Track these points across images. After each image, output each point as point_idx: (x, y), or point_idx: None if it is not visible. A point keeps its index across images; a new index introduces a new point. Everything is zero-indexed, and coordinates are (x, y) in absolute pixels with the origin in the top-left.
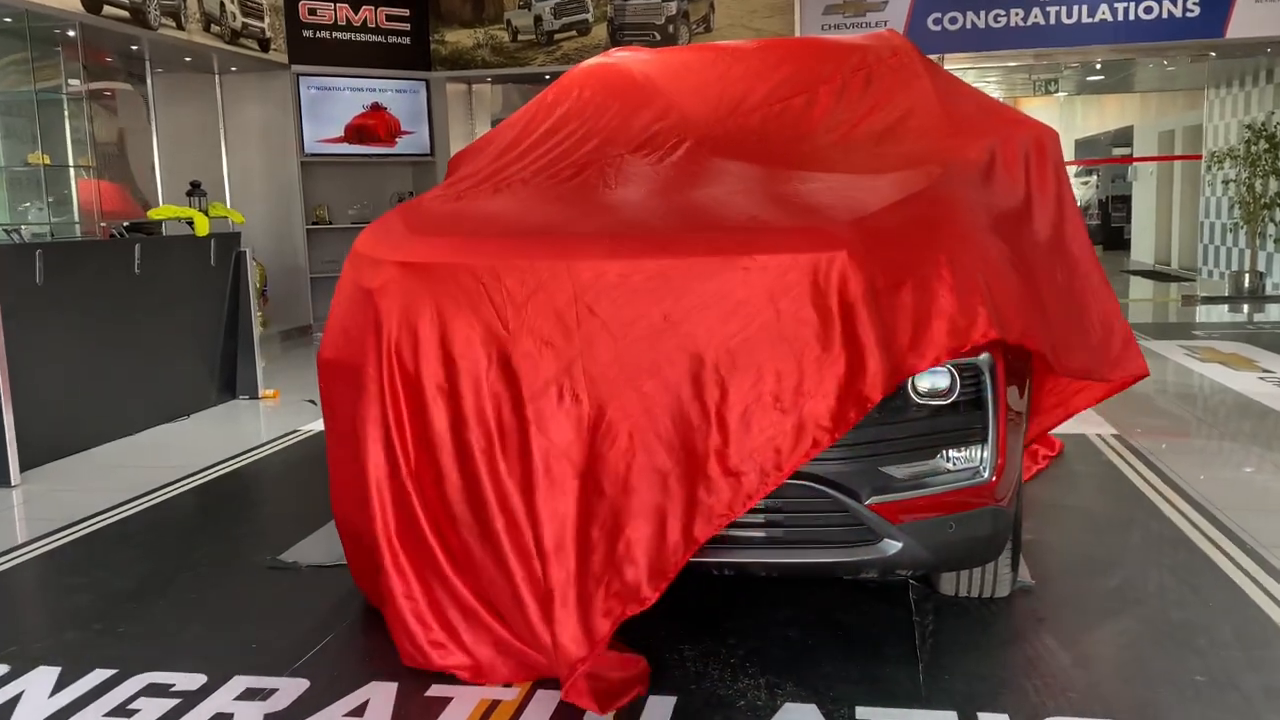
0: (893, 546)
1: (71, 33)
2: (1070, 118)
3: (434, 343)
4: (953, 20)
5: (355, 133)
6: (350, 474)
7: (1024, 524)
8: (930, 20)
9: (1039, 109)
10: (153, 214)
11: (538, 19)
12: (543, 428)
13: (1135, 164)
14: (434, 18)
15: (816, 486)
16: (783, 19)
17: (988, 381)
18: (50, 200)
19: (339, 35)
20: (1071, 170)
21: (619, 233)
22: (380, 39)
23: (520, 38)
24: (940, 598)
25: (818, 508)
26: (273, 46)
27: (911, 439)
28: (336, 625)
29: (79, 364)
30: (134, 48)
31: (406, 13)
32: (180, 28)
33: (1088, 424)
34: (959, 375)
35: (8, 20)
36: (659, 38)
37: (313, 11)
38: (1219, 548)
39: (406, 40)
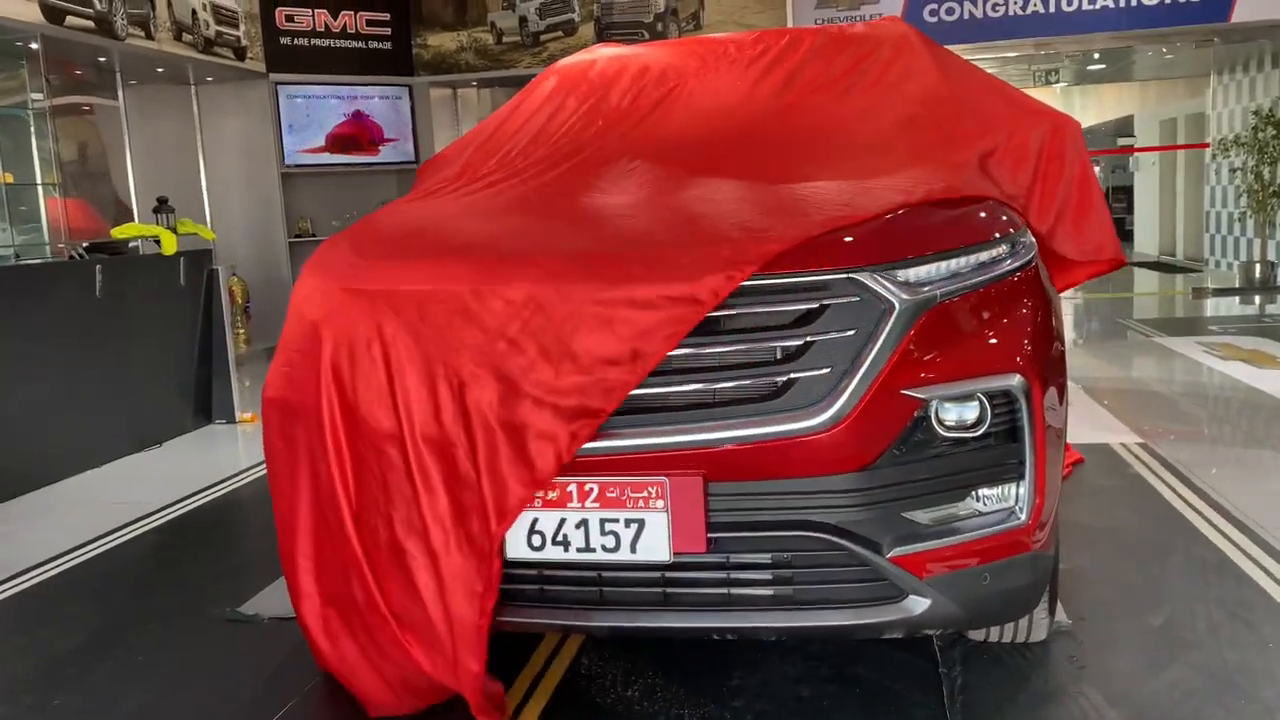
0: (920, 604)
1: (35, 45)
2: (1069, 109)
3: (381, 377)
4: (949, 10)
5: (337, 142)
6: (290, 523)
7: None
8: (926, 11)
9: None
10: (116, 233)
11: (522, 20)
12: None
13: (1136, 154)
14: (415, 22)
15: (830, 538)
16: (774, 13)
17: (1023, 408)
18: (16, 221)
19: (317, 42)
20: None
21: (547, 254)
22: (360, 45)
23: (505, 39)
24: (969, 644)
25: (832, 562)
26: (249, 55)
27: (937, 479)
28: (300, 687)
29: (40, 394)
30: (102, 59)
31: (387, 17)
32: (150, 37)
33: (1109, 431)
34: (989, 403)
35: None
36: (647, 36)
37: (290, 18)
38: (1271, 576)
39: (387, 45)
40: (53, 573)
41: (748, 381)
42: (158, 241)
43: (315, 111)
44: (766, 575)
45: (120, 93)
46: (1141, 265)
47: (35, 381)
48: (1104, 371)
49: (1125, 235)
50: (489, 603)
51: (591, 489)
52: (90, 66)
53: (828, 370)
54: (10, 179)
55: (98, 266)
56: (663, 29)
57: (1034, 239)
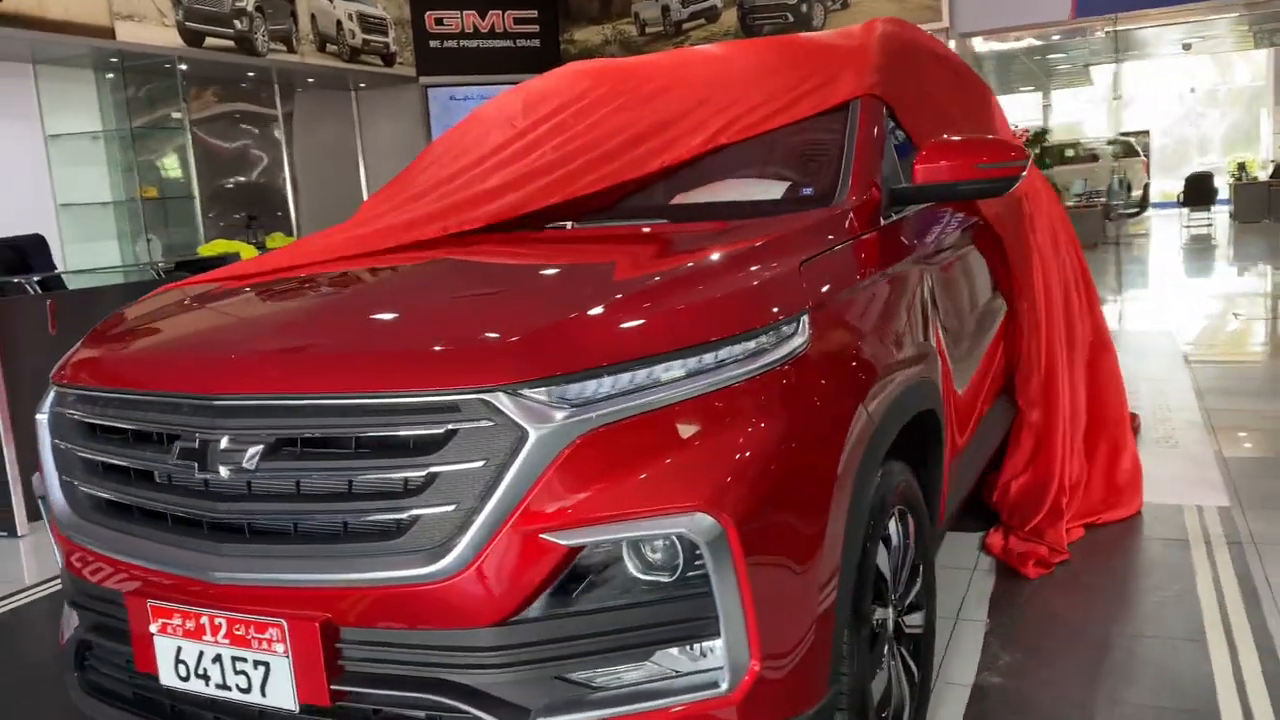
0: None
1: (184, 66)
2: None
3: None
4: None
5: None
6: None
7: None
8: None
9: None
10: (203, 250)
11: (665, 9)
12: None
13: None
14: (563, 17)
15: (462, 703)
16: None
17: (712, 554)
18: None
19: (466, 43)
20: None
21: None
22: (509, 43)
23: (648, 30)
24: None
25: None
26: (399, 60)
27: (600, 637)
28: None
29: None
30: (251, 74)
31: (534, 14)
32: (292, 51)
33: (1191, 485)
34: (665, 548)
35: (113, 60)
36: (791, 19)
37: (439, 21)
38: None
39: (536, 43)
40: None
41: (373, 516)
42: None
43: (465, 112)
44: None
45: (277, 102)
46: None
47: None
48: (1246, 404)
49: None
50: None
51: (221, 624)
52: (242, 81)
53: (453, 508)
54: (154, 193)
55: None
56: (808, 11)
57: (806, 329)
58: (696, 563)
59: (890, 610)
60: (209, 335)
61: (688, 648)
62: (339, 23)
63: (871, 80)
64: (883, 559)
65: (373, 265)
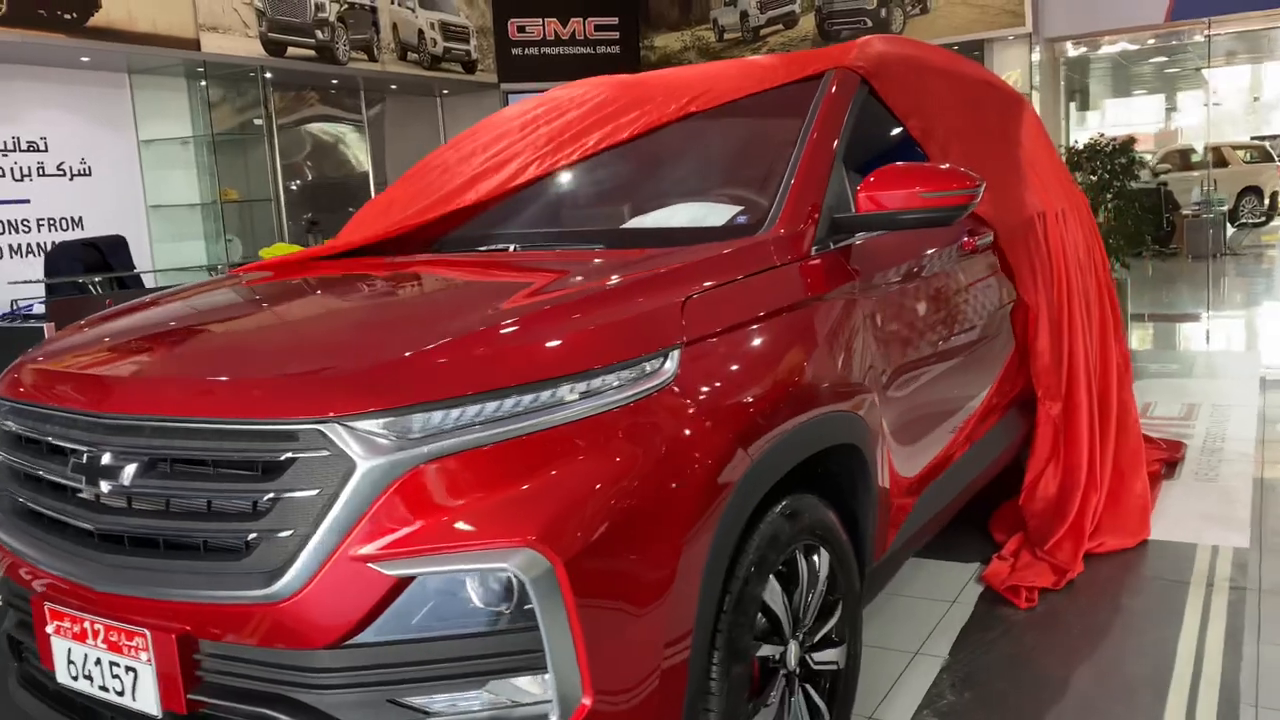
0: None
1: (269, 74)
2: None
3: None
4: None
5: None
6: None
7: None
8: None
9: None
10: (264, 253)
11: (743, 15)
12: None
13: None
14: (643, 24)
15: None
16: None
17: (537, 588)
18: (245, 235)
19: (547, 50)
20: None
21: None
22: (589, 50)
23: (726, 36)
24: None
25: None
26: (480, 67)
27: (430, 664)
28: None
29: None
30: (335, 81)
31: (615, 21)
32: (373, 59)
33: (1211, 520)
34: (488, 582)
35: (199, 69)
36: (870, 24)
37: (522, 29)
38: None
39: (616, 49)
40: None
41: (225, 536)
42: None
43: None
44: None
45: (362, 107)
46: None
47: None
48: None
49: None
50: None
51: (100, 629)
52: (329, 87)
53: (290, 532)
54: (235, 196)
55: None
56: (886, 16)
57: (672, 366)
58: (504, 601)
59: (791, 646)
60: (112, 356)
61: (526, 678)
62: (420, 31)
63: (851, 55)
64: (774, 594)
65: (279, 287)
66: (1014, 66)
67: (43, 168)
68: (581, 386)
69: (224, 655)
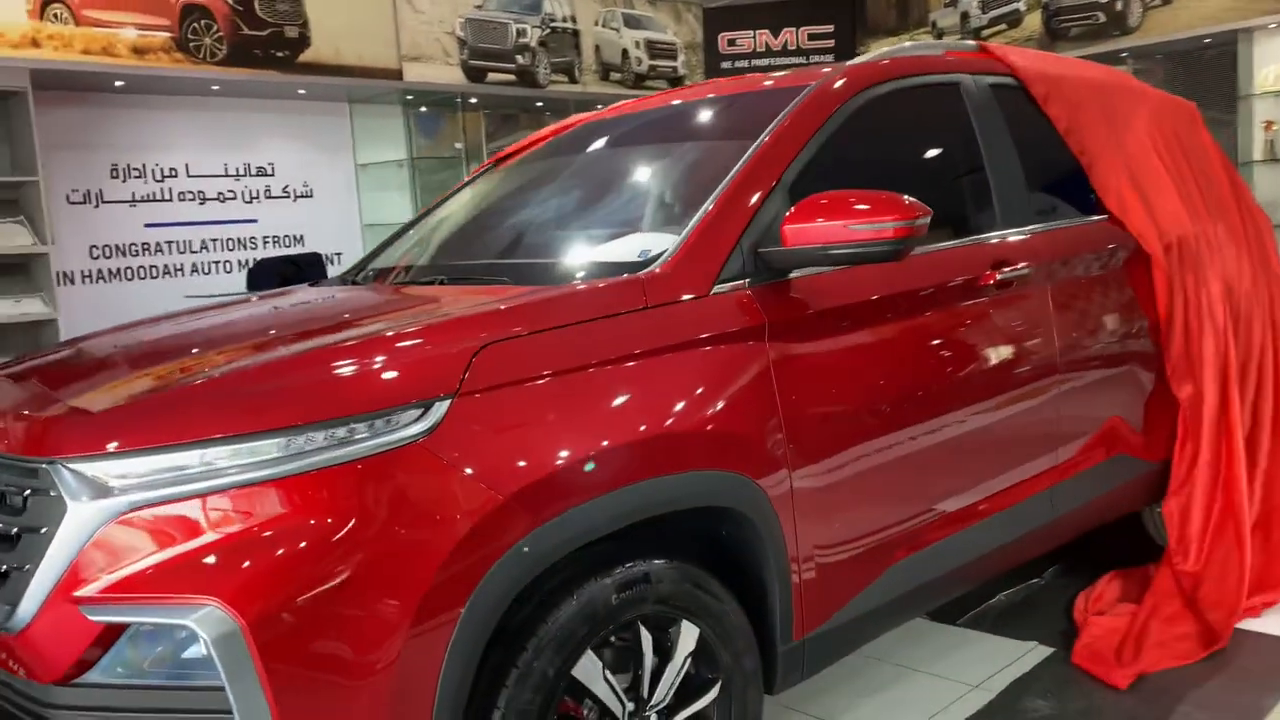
0: None
1: (474, 99)
2: None
3: None
4: None
5: None
6: None
7: None
8: None
9: None
10: None
11: (964, 16)
12: None
13: None
14: (861, 30)
15: None
16: None
17: (216, 648)
18: None
19: (758, 62)
20: None
21: None
22: (802, 60)
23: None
24: None
25: None
26: (688, 82)
27: (162, 712)
28: None
29: None
30: (539, 104)
31: (830, 29)
32: (574, 81)
33: None
34: (184, 636)
35: (409, 97)
36: (1104, 19)
37: (732, 42)
38: None
39: (830, 57)
40: None
41: None
42: None
43: None
44: None
45: None
46: None
47: None
48: None
49: None
50: None
51: None
52: (532, 110)
53: (29, 567)
54: None
55: None
56: (1123, 9)
57: (433, 419)
58: (189, 659)
59: None
60: None
61: None
62: (624, 51)
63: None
64: (590, 671)
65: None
66: (1277, 59)
67: (269, 190)
68: (318, 436)
69: None
